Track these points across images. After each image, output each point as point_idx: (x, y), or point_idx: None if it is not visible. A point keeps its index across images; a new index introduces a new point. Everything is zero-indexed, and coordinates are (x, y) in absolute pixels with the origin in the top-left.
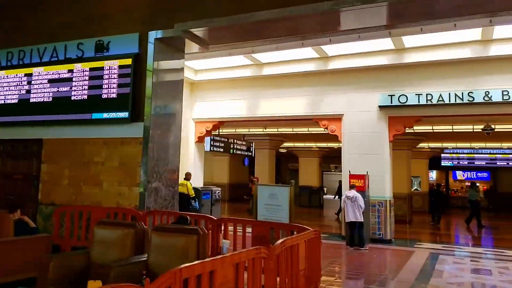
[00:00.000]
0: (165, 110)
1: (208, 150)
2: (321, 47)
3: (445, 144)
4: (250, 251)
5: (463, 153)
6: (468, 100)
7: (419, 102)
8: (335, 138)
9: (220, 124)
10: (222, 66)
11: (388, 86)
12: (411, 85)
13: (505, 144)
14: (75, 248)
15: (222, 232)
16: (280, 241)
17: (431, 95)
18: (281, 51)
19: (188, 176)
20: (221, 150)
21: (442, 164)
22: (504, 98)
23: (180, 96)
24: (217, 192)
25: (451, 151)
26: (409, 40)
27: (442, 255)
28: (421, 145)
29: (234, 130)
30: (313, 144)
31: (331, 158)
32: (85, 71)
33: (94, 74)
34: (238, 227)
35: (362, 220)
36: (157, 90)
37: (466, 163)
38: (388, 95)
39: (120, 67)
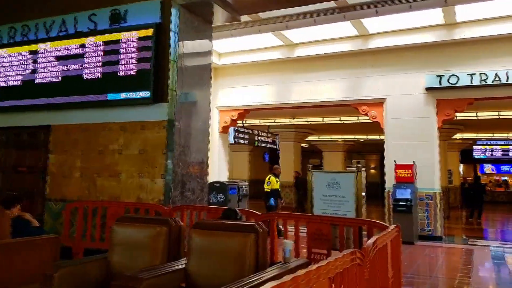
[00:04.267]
0: (192, 89)
1: (232, 142)
2: (363, 23)
3: (480, 135)
4: (346, 256)
5: (497, 144)
6: None
7: (472, 83)
8: (368, 128)
9: (246, 112)
10: (249, 48)
11: (436, 66)
12: (463, 64)
13: None
14: (89, 251)
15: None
16: (372, 240)
17: (486, 74)
18: (316, 29)
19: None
20: (246, 142)
21: (474, 156)
22: None
23: (208, 73)
24: (244, 186)
25: (484, 143)
26: (462, 12)
27: (506, 253)
28: (454, 136)
29: (259, 121)
30: (339, 137)
31: (354, 153)
32: (99, 45)
33: (109, 48)
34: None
35: None
36: (182, 65)
37: (501, 154)
38: (437, 76)
39: (140, 39)
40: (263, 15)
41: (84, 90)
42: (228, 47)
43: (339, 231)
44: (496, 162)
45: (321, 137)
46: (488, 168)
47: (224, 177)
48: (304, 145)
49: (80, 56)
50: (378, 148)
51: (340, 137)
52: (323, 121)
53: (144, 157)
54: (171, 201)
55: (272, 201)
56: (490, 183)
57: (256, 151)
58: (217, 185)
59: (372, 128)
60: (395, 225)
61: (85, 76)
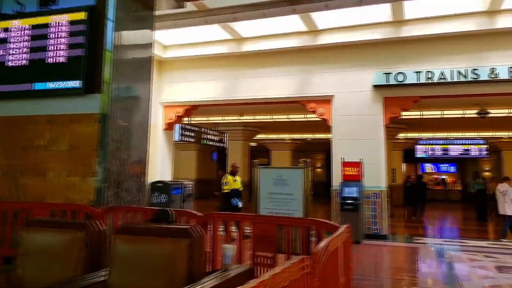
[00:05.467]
0: (130, 81)
1: (178, 139)
2: (312, 19)
3: (422, 134)
4: (294, 265)
5: (438, 144)
6: (472, 78)
7: (418, 81)
8: (315, 126)
9: (192, 108)
10: (196, 41)
11: (384, 63)
12: (410, 61)
13: (482, 134)
14: (8, 258)
15: (211, 232)
16: (323, 243)
17: (432, 72)
18: (265, 24)
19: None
20: (192, 140)
21: (416, 156)
22: (510, 76)
23: (149, 65)
24: (189, 186)
25: (426, 142)
26: (410, 10)
27: (450, 251)
28: (398, 135)
29: (206, 119)
30: (287, 136)
31: (301, 152)
32: (26, 29)
33: (37, 33)
34: (230, 226)
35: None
36: (119, 52)
37: (441, 154)
38: (384, 73)
39: (71, 23)
40: (210, 4)
41: (8, 78)
42: (174, 40)
43: (285, 233)
44: (436, 161)
45: (269, 135)
46: (429, 167)
47: (168, 177)
48: (253, 144)
49: (4, 41)
50: (324, 148)
51: (288, 135)
52: (272, 118)
53: (73, 154)
54: (104, 202)
55: (234, 201)
56: (431, 181)
57: (204, 150)
58: (160, 185)
59: (319, 127)
60: (346, 226)
61: (9, 64)
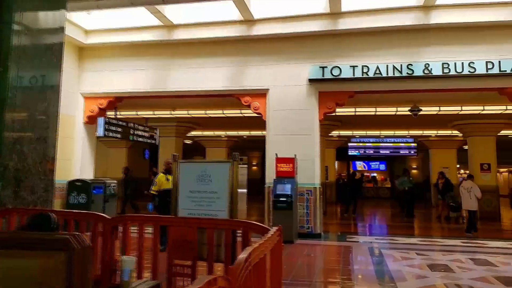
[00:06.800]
0: (35, 65)
1: (102, 134)
2: (248, 7)
3: (355, 132)
4: None
5: (370, 142)
6: (407, 73)
7: (354, 75)
8: (251, 123)
9: (117, 100)
10: (122, 26)
11: (320, 57)
12: (346, 56)
13: (412, 132)
14: None
15: (121, 238)
16: (244, 254)
17: (368, 67)
18: (198, 11)
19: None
20: (118, 136)
21: (349, 153)
22: (444, 72)
23: (60, 50)
24: (112, 185)
25: (358, 140)
26: (347, 1)
27: (383, 249)
28: (331, 133)
29: (135, 113)
30: (222, 133)
31: (237, 150)
32: None
33: None
34: (147, 230)
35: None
36: (21, 35)
37: (372, 152)
38: (320, 67)
39: None
40: None
41: None
42: (97, 24)
43: (207, 236)
44: (367, 159)
45: (204, 132)
46: (360, 165)
47: (89, 175)
48: (187, 141)
49: None
50: (261, 145)
51: (224, 132)
52: (206, 114)
53: None
54: None
55: (150, 206)
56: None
57: (137, 147)
58: (79, 184)
59: (255, 124)
60: (276, 228)
61: None
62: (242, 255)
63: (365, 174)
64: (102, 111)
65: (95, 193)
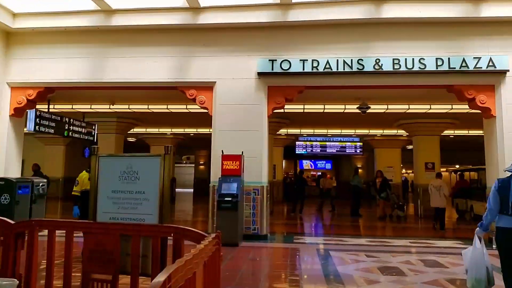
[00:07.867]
0: None
1: (32, 129)
2: None
3: (303, 131)
4: None
5: (317, 141)
6: (357, 68)
7: (303, 70)
8: (197, 120)
9: (48, 91)
10: (55, 10)
11: (270, 49)
12: (296, 49)
13: (358, 131)
14: None
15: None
16: (163, 276)
17: (318, 61)
18: None
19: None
20: (51, 131)
21: (296, 152)
22: (394, 68)
23: None
24: (41, 184)
25: (306, 139)
26: None
27: (331, 251)
28: (279, 131)
29: (70, 106)
30: (167, 130)
31: (184, 149)
32: None
33: None
34: (59, 236)
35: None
36: None
37: (319, 150)
38: (269, 60)
39: None
40: None
41: None
42: (26, 7)
43: (131, 246)
44: (314, 158)
45: (148, 129)
46: (307, 164)
47: (15, 173)
48: (131, 139)
49: None
50: (208, 144)
51: (169, 130)
52: (149, 109)
53: None
54: None
55: (76, 210)
56: (309, 178)
57: (76, 144)
58: (1, 182)
59: (202, 120)
60: (213, 235)
61: None
62: (157, 279)
63: (312, 173)
64: (31, 103)
65: (20, 193)
